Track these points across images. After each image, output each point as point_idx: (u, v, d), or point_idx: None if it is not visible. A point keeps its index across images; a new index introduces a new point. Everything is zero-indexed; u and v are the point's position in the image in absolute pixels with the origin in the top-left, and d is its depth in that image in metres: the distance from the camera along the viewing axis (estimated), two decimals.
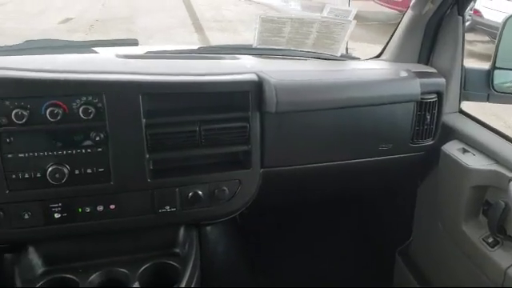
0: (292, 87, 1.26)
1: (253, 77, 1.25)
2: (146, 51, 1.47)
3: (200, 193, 1.26)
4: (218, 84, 1.24)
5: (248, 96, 1.23)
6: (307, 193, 1.53)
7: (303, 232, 1.80)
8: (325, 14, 1.55)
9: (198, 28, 7.49)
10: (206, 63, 1.44)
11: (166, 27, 7.05)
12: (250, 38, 1.55)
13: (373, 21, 7.54)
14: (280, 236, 1.80)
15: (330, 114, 1.32)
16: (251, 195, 1.33)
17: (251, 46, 1.55)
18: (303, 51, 1.53)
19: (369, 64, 1.60)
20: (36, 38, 1.52)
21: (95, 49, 1.48)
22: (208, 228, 1.50)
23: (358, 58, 1.66)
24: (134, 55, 1.41)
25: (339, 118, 1.33)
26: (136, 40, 1.61)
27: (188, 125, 1.21)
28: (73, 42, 1.64)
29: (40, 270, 1.24)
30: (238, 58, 1.47)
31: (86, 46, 1.54)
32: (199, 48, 1.60)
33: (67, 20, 7.11)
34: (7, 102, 1.08)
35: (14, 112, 1.08)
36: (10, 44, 1.55)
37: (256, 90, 1.24)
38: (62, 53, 1.46)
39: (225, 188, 1.28)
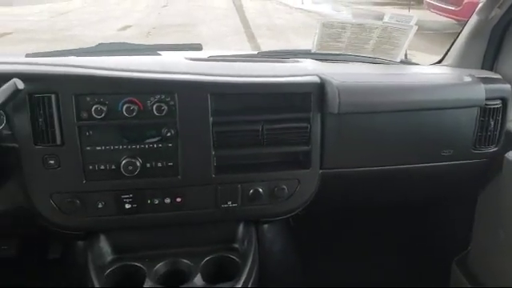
0: (354, 89, 1.28)
1: (315, 79, 1.29)
2: (208, 55, 1.53)
3: (260, 190, 1.30)
4: (281, 85, 1.28)
5: (310, 97, 1.27)
6: (364, 197, 1.54)
7: (357, 236, 1.80)
8: (386, 19, 1.56)
9: (250, 36, 7.59)
10: (268, 66, 1.49)
11: (220, 35, 7.21)
12: (301, 46, 1.59)
13: (427, 30, 7.37)
14: (334, 239, 1.80)
15: (392, 116, 1.33)
16: (309, 195, 1.36)
17: (309, 50, 1.58)
18: (361, 56, 1.55)
19: (430, 69, 1.59)
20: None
21: (160, 52, 1.57)
22: (265, 226, 1.53)
23: (418, 64, 1.66)
24: (200, 58, 1.48)
25: (401, 121, 1.34)
26: (200, 45, 1.69)
27: (252, 124, 1.26)
28: (141, 45, 1.73)
29: (109, 257, 1.33)
30: (299, 62, 1.51)
31: (152, 50, 1.63)
32: (258, 53, 1.65)
33: (126, 27, 7.44)
34: (88, 98, 1.17)
35: (93, 107, 1.16)
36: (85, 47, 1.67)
37: (318, 91, 1.27)
38: (131, 55, 1.55)
39: (284, 187, 1.31)
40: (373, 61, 1.54)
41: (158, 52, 1.57)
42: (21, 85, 1.08)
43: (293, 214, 1.38)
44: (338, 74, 1.32)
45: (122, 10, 9.07)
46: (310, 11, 10.10)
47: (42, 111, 1.15)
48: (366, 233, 1.80)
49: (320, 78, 1.28)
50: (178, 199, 1.27)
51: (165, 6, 9.59)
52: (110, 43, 1.68)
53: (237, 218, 1.39)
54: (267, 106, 1.30)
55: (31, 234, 1.68)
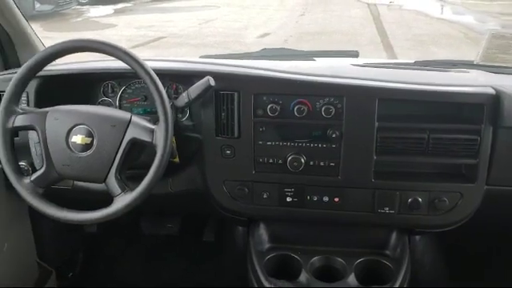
0: None
1: (489, 90, 1.25)
2: (363, 63, 1.56)
3: (419, 200, 1.29)
4: (452, 94, 1.27)
5: (483, 109, 1.23)
6: None
7: None
8: None
9: (387, 46, 7.41)
10: (431, 75, 1.47)
11: (355, 44, 7.16)
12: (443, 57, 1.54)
13: None
14: (489, 259, 1.71)
15: None
16: (471, 210, 1.31)
17: (472, 61, 1.53)
18: None
19: None
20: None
21: (315, 58, 1.64)
22: (417, 237, 1.51)
23: None
24: (358, 64, 1.52)
25: None
26: (357, 52, 1.74)
27: (417, 132, 1.26)
28: (300, 51, 1.83)
29: (267, 245, 1.43)
30: (466, 72, 1.47)
31: (310, 55, 1.71)
32: (415, 62, 1.63)
33: (265, 35, 7.76)
34: (264, 98, 1.28)
35: (269, 106, 1.27)
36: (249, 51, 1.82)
37: (492, 103, 1.23)
38: (290, 60, 1.65)
39: (445, 199, 1.29)
40: None
41: (314, 58, 1.65)
42: (213, 82, 1.23)
43: (451, 227, 1.35)
44: None
45: (262, 18, 9.49)
46: (451, 22, 9.53)
47: (225, 107, 1.29)
48: None
49: (495, 89, 1.24)
50: (336, 199, 1.33)
51: (302, 15, 9.80)
52: (273, 48, 1.81)
53: (392, 225, 1.40)
54: (434, 114, 1.29)
55: (191, 216, 1.88)
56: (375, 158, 1.28)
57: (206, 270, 1.83)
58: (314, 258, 1.35)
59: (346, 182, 1.31)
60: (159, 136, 1.13)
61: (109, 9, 10.26)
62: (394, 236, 1.41)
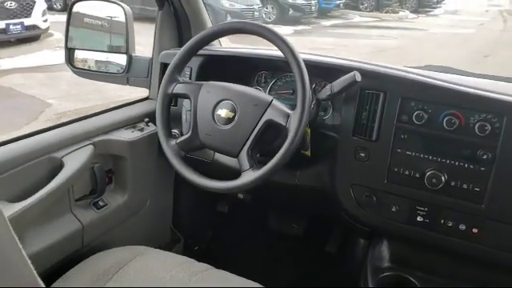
0: None
1: None
2: None
3: None
4: None
5: None
6: None
7: None
8: None
9: None
10: None
11: None
12: None
13: None
14: None
15: None
16: None
17: None
18: None
19: None
20: None
21: None
22: None
23: None
24: None
25: None
26: None
27: None
28: (466, 72, 1.69)
29: (386, 263, 1.33)
30: None
31: (476, 77, 1.55)
32: None
33: None
34: (412, 103, 1.20)
35: (415, 113, 1.19)
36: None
37: None
38: None
39: None
40: None
41: None
42: (359, 77, 1.20)
43: None
44: None
45: (438, 54, 8.97)
46: None
47: (367, 106, 1.25)
48: None
49: None
50: (475, 230, 1.17)
51: (486, 57, 9.00)
52: (437, 66, 1.70)
53: None
54: None
55: (316, 222, 1.85)
56: None
57: (320, 278, 1.78)
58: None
59: (490, 213, 1.15)
60: (293, 121, 1.14)
61: (289, 29, 10.82)
62: None
